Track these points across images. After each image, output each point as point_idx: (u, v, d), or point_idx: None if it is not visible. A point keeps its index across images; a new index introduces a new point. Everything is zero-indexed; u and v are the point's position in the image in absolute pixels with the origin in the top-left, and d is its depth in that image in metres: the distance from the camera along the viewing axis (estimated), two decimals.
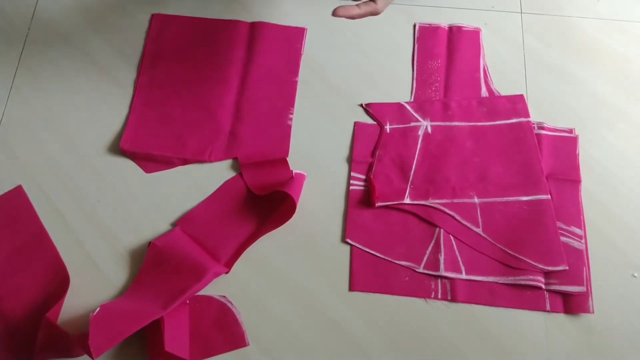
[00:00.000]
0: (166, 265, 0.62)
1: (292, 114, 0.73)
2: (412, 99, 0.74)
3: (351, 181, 0.69)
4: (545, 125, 0.72)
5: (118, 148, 0.70)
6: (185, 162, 0.70)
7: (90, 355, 0.53)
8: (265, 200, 0.67)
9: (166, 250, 0.63)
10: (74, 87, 0.74)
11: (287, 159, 0.69)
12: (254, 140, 0.71)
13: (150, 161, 0.70)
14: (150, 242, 0.64)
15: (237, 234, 0.65)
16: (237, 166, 0.69)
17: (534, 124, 0.72)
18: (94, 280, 0.63)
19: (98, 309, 0.57)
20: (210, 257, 0.63)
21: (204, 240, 0.65)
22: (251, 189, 0.67)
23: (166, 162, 0.70)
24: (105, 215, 0.66)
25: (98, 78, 0.75)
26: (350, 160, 0.70)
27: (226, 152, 0.70)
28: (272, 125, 0.72)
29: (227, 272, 0.63)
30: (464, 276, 0.63)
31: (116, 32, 0.78)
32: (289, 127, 0.72)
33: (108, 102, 0.73)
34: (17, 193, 0.67)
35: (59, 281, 0.62)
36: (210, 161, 0.69)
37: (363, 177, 0.69)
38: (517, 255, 0.64)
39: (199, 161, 0.70)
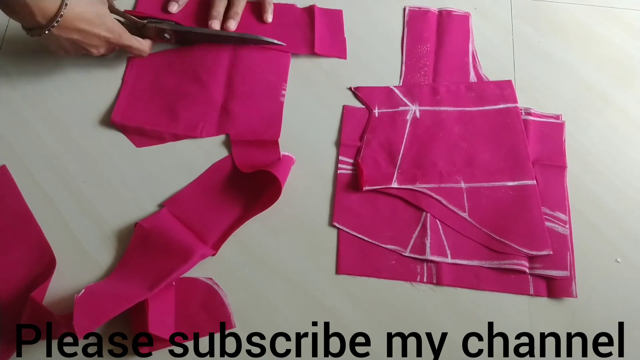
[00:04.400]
0: (152, 247, 0.62)
1: (284, 89, 0.72)
2: (401, 83, 0.74)
3: (339, 165, 0.69)
4: (533, 111, 0.72)
5: (105, 127, 0.69)
6: (176, 137, 0.69)
7: (74, 332, 0.53)
8: (253, 183, 0.66)
9: (153, 232, 0.63)
10: (59, 65, 0.73)
11: (278, 140, 0.69)
12: (246, 116, 0.71)
13: (142, 135, 0.69)
14: (136, 223, 0.64)
15: (225, 216, 0.65)
16: (225, 146, 0.69)
17: (521, 109, 0.72)
18: (79, 261, 0.62)
19: (83, 290, 0.57)
20: (197, 239, 0.63)
21: (191, 222, 0.64)
22: (238, 166, 0.67)
23: (157, 137, 0.69)
24: (92, 196, 0.66)
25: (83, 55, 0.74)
26: (339, 144, 0.70)
27: (218, 128, 0.70)
28: (265, 101, 0.72)
29: (213, 255, 0.63)
30: (449, 260, 0.64)
31: None
32: (282, 103, 0.72)
33: (94, 80, 0.72)
34: (2, 173, 0.66)
35: (45, 262, 0.61)
36: (202, 137, 0.69)
37: (351, 161, 0.69)
38: (502, 239, 0.64)
39: (191, 137, 0.69)
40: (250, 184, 0.67)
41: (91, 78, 0.72)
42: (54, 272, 0.60)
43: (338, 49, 0.76)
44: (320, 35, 0.76)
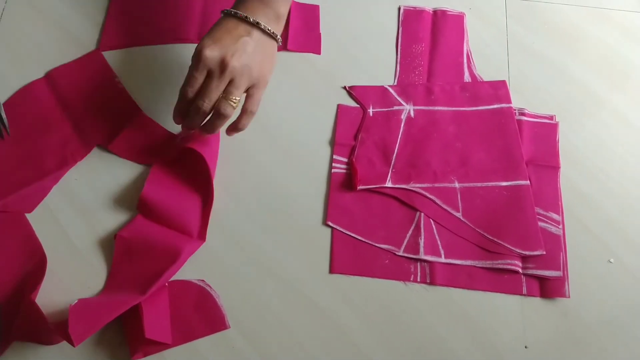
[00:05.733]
0: (138, 254, 0.61)
1: (117, 77, 0.72)
2: (395, 83, 0.74)
3: (333, 164, 0.69)
4: (527, 111, 0.72)
5: None
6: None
7: (70, 343, 0.52)
8: (195, 158, 0.65)
9: (134, 239, 0.62)
10: (54, 60, 0.72)
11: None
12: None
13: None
14: (115, 235, 0.63)
15: (195, 200, 0.65)
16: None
17: (515, 110, 0.72)
18: (71, 261, 0.62)
19: (76, 301, 0.56)
20: (180, 234, 0.63)
21: (167, 218, 0.63)
22: (133, 159, 0.67)
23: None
24: (83, 194, 0.65)
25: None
26: (333, 143, 0.70)
27: (84, 148, 0.68)
28: (103, 92, 0.71)
29: (203, 242, 0.63)
30: (443, 260, 0.64)
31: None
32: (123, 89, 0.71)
33: None
34: None
35: (36, 261, 0.60)
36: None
37: (345, 160, 0.69)
38: (495, 239, 0.65)
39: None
40: (195, 159, 0.65)
41: None
42: (45, 271, 0.60)
43: (312, 45, 0.76)
44: (295, 31, 0.76)
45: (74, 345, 0.52)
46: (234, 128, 0.63)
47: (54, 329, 0.55)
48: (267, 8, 0.61)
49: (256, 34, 0.60)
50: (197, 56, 0.58)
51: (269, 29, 0.61)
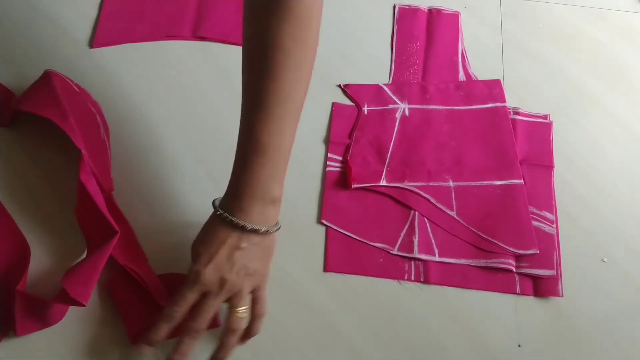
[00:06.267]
0: (95, 215, 0.58)
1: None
2: (390, 81, 0.74)
3: (328, 162, 0.68)
4: (521, 110, 0.73)
5: None
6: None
7: (79, 304, 0.52)
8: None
9: (84, 201, 0.59)
10: (41, 55, 0.72)
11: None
12: None
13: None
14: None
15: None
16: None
17: (509, 109, 0.73)
18: (53, 246, 0.61)
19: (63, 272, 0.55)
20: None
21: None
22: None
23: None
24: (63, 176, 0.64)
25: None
26: (328, 141, 0.70)
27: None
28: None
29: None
30: (437, 258, 0.64)
31: None
32: None
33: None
34: None
35: (20, 251, 0.59)
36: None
37: (340, 158, 0.69)
38: (489, 238, 0.65)
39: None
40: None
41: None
42: (30, 260, 0.59)
43: None
44: None
45: (85, 304, 0.52)
46: (247, 335, 0.57)
47: (55, 301, 0.55)
48: (260, 200, 0.55)
49: (251, 238, 0.55)
50: (195, 278, 0.54)
51: (263, 229, 0.55)
